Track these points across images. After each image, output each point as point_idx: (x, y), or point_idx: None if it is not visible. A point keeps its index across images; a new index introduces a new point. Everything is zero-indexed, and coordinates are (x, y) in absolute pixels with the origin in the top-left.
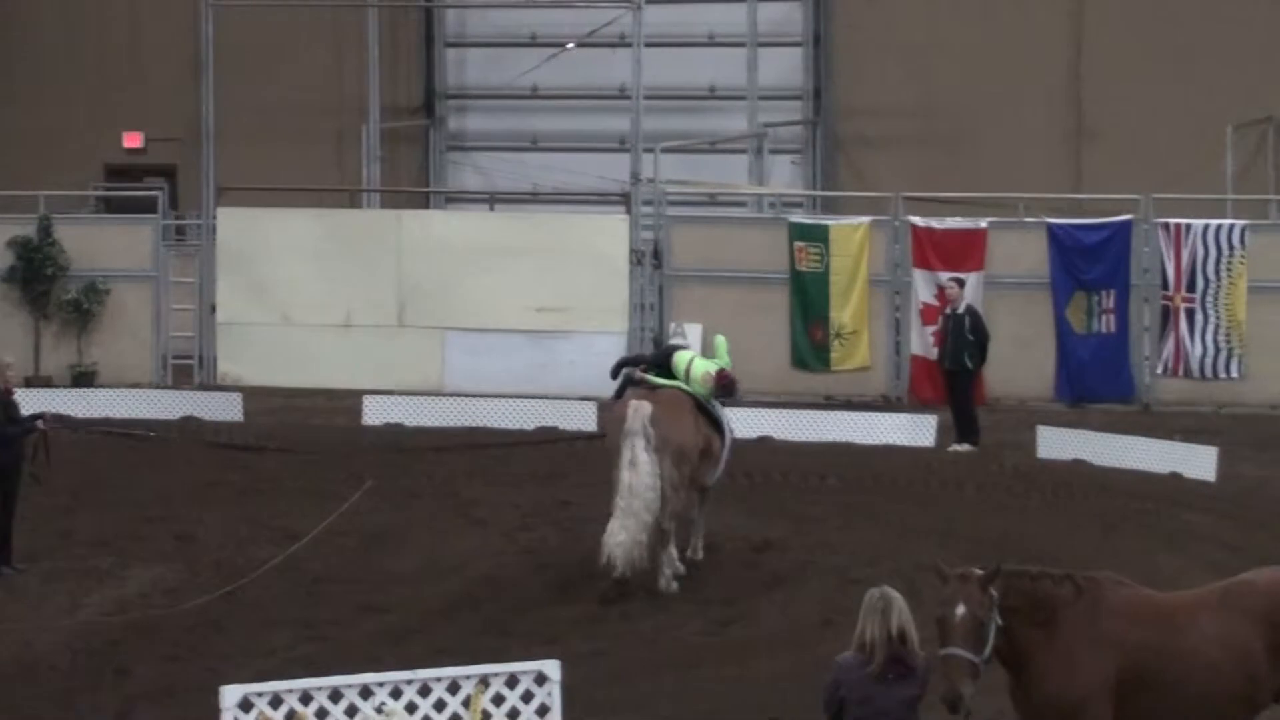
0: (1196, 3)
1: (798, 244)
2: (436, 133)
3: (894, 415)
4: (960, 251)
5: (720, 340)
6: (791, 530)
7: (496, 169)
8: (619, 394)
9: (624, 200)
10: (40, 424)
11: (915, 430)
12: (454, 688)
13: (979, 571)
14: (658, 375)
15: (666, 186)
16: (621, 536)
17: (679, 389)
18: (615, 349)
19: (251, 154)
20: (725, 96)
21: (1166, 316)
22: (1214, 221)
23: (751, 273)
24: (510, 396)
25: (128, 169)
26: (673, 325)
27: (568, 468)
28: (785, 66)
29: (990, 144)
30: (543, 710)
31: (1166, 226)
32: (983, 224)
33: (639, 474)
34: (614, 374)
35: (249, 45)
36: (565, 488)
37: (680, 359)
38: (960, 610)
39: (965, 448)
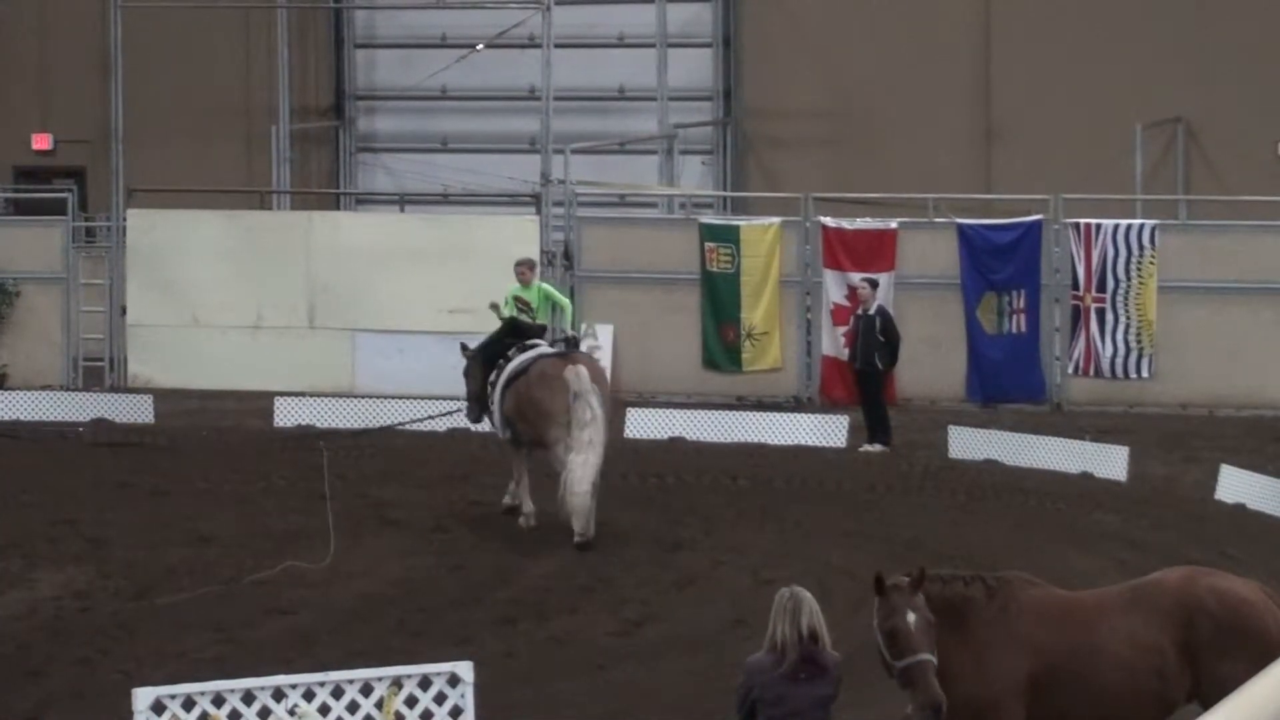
0: (1105, 3)
1: (709, 245)
2: (346, 134)
3: (805, 416)
4: (871, 252)
5: (567, 305)
6: (703, 531)
7: (407, 170)
8: (486, 365)
9: (534, 201)
10: None
11: (827, 431)
12: (367, 689)
13: (906, 578)
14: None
15: (577, 187)
16: (586, 486)
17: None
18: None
19: (161, 155)
20: (635, 97)
21: (1077, 316)
22: (1124, 221)
23: (663, 274)
24: (421, 398)
25: (36, 171)
26: (584, 326)
27: (480, 469)
28: (695, 67)
29: (900, 144)
30: (456, 712)
31: (1077, 227)
32: (893, 224)
33: (599, 430)
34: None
35: (158, 46)
36: (477, 489)
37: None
38: (911, 618)
39: (876, 448)
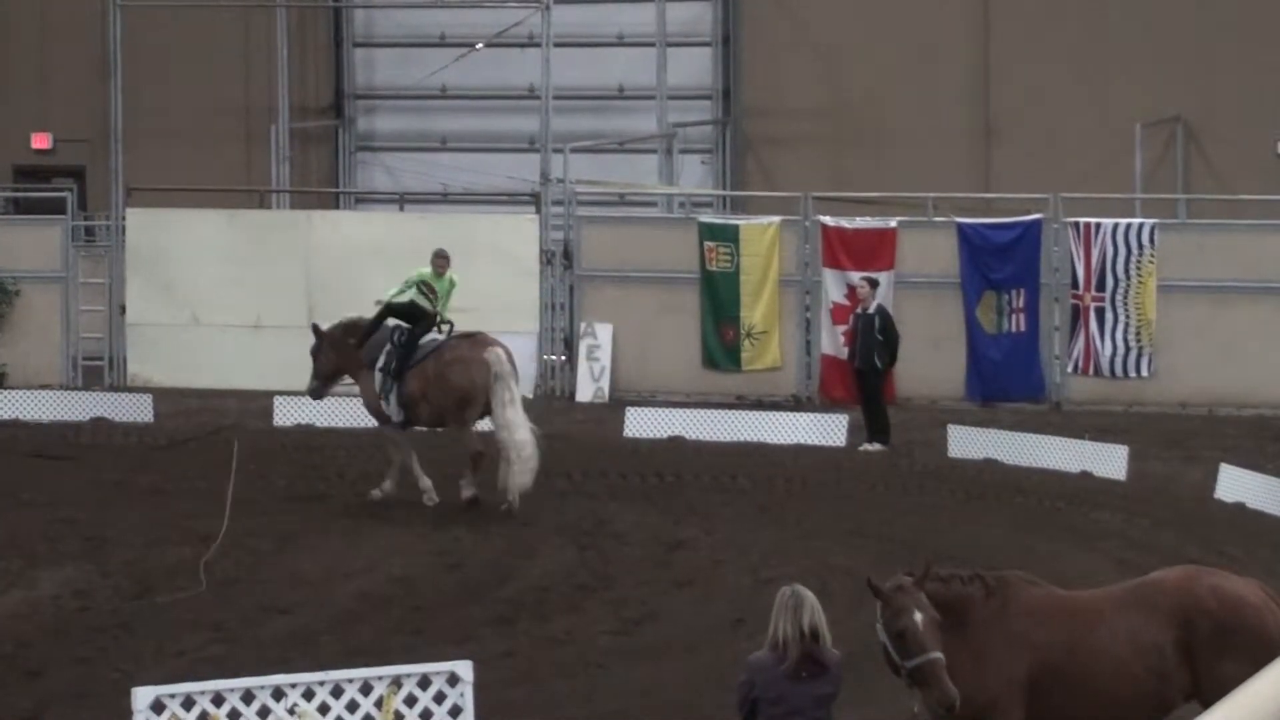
0: (1104, 2)
1: (708, 244)
2: (346, 133)
3: (805, 415)
4: (870, 251)
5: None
6: (703, 530)
7: (406, 169)
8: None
9: (534, 200)
10: None
11: (826, 430)
12: (366, 689)
13: (909, 578)
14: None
15: (576, 186)
16: (533, 464)
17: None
18: (526, 349)
19: (160, 155)
20: (635, 96)
21: (1076, 315)
22: (1123, 220)
23: (662, 273)
24: None
25: (36, 170)
26: (583, 325)
27: (479, 468)
28: (695, 66)
29: (899, 144)
30: (455, 711)
31: (1076, 226)
32: (892, 224)
33: (519, 410)
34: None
35: (157, 46)
36: (477, 488)
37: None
38: (919, 616)
39: (876, 447)
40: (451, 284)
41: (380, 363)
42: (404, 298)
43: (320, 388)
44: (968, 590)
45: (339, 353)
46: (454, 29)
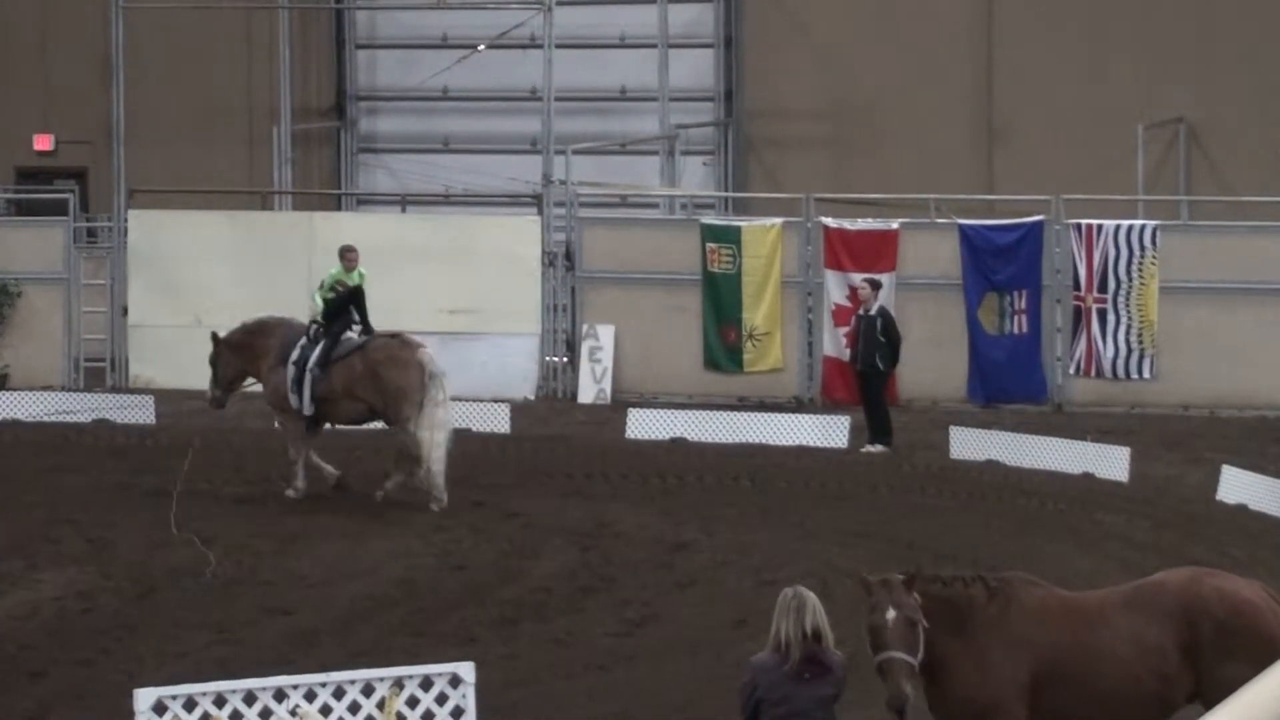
0: (1107, 4)
1: (710, 245)
2: (348, 134)
3: (807, 416)
4: (872, 252)
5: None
6: (705, 531)
7: (408, 171)
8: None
9: (536, 202)
10: None
11: (828, 431)
12: (368, 690)
13: (899, 576)
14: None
15: (578, 188)
16: (444, 461)
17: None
18: (528, 351)
19: (163, 156)
20: (637, 98)
21: (1078, 317)
22: (1125, 222)
23: (664, 274)
24: None
25: (38, 171)
26: (585, 327)
27: (481, 469)
28: (697, 68)
29: (902, 145)
30: (457, 712)
31: (1078, 227)
32: (894, 225)
33: (449, 409)
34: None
35: (159, 47)
36: (479, 489)
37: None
38: (892, 614)
39: (878, 449)
40: (361, 277)
41: (294, 356)
42: (326, 295)
43: (224, 395)
44: (970, 592)
45: (241, 355)
46: (456, 30)
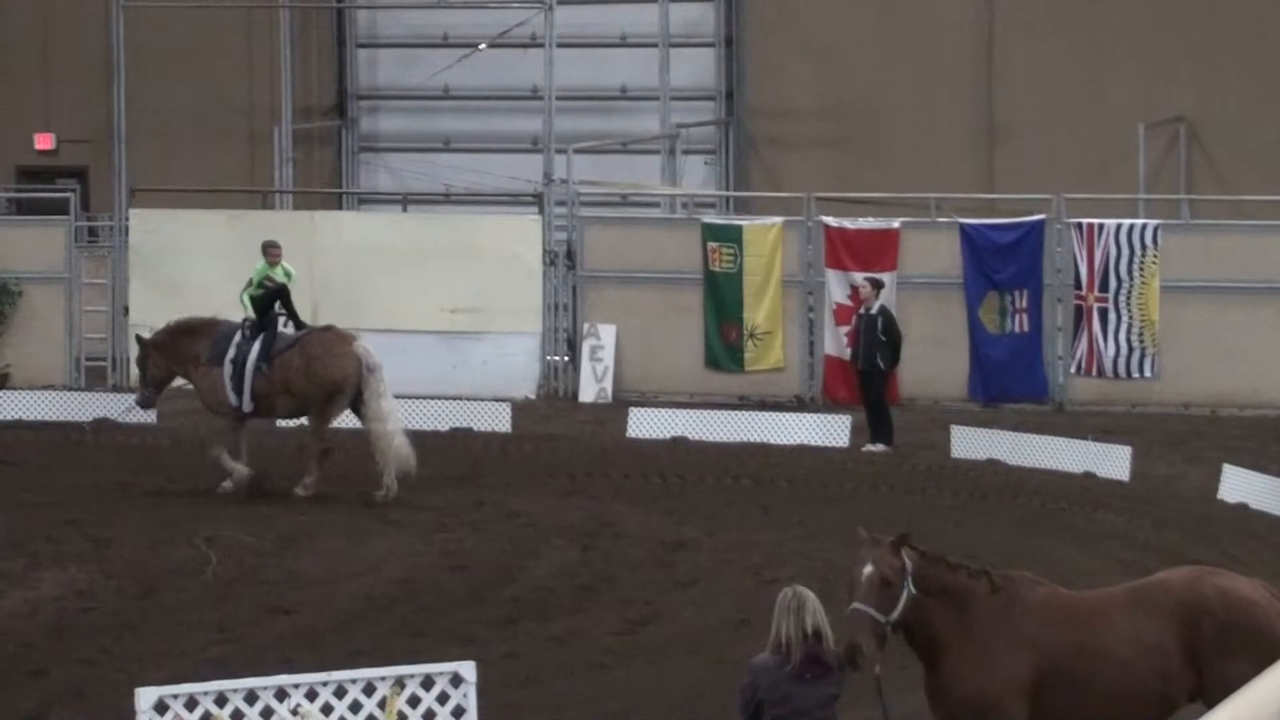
0: (1108, 2)
1: (711, 244)
2: (349, 134)
3: (808, 416)
4: (873, 252)
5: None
6: (705, 530)
7: (409, 170)
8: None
9: (537, 201)
10: None
11: (829, 431)
12: (369, 689)
13: (890, 538)
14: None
15: (579, 187)
16: (407, 451)
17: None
18: (529, 350)
19: (163, 155)
20: (638, 97)
21: (1080, 316)
22: (1126, 221)
23: (665, 273)
24: (423, 398)
25: (39, 170)
26: (586, 326)
27: (482, 468)
28: (698, 67)
29: (902, 144)
30: (458, 711)
31: (1079, 226)
32: (895, 224)
33: (391, 401)
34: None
35: (160, 46)
36: (480, 489)
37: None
38: (867, 570)
39: (879, 448)
40: (287, 273)
41: (231, 354)
42: (254, 292)
43: (153, 395)
44: (972, 583)
45: (170, 355)
46: (457, 29)
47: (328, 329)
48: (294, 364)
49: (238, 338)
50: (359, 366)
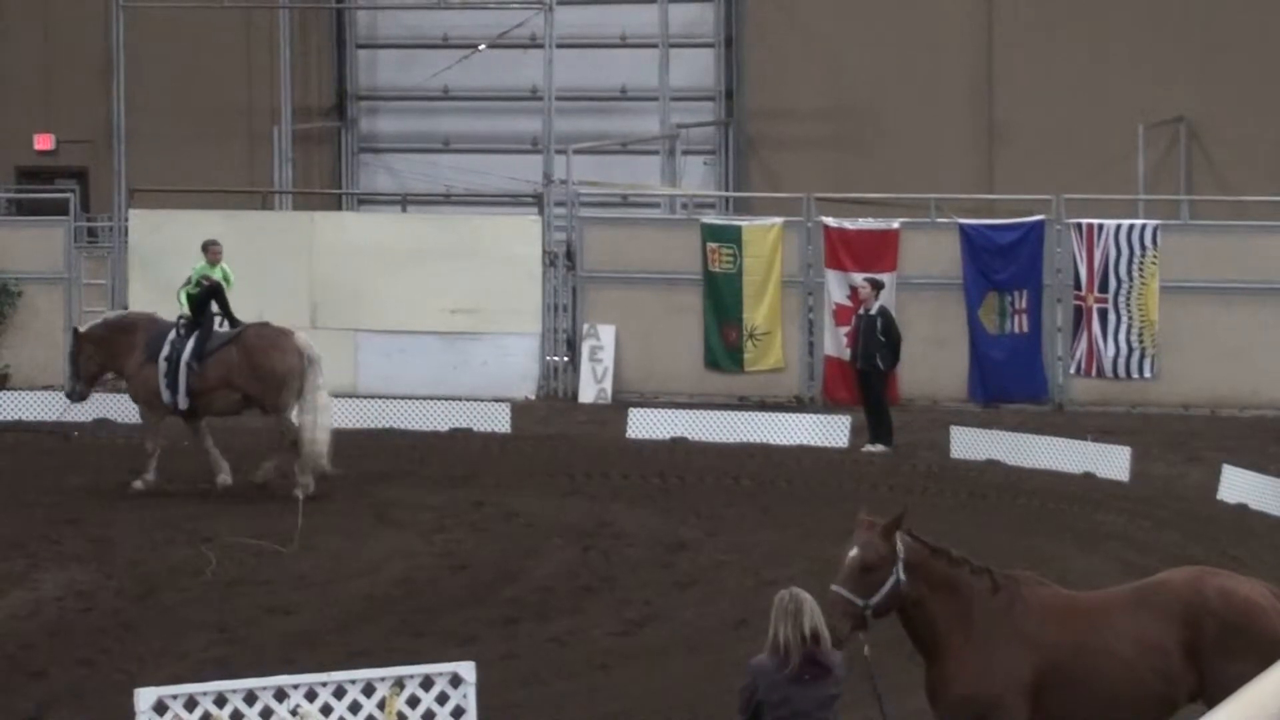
0: (1108, 3)
1: (710, 245)
2: (348, 134)
3: (807, 416)
4: (873, 252)
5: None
6: (705, 531)
7: (409, 170)
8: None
9: (537, 201)
10: None
11: (829, 431)
12: (369, 689)
13: (884, 522)
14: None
15: (579, 188)
16: (325, 449)
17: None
18: (528, 350)
19: (163, 156)
20: (637, 98)
21: (1079, 317)
22: (1126, 221)
23: (664, 274)
24: (423, 398)
25: (39, 171)
26: (585, 327)
27: (482, 469)
28: (697, 68)
29: (902, 145)
30: (458, 712)
31: (1079, 227)
32: (895, 225)
33: (327, 393)
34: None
35: (160, 46)
36: (480, 489)
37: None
38: (852, 553)
39: (879, 448)
40: (225, 274)
41: (165, 352)
42: (192, 290)
43: (84, 389)
44: (974, 580)
45: (104, 350)
46: (456, 30)
47: (264, 324)
48: (233, 359)
49: (172, 335)
50: (301, 359)
